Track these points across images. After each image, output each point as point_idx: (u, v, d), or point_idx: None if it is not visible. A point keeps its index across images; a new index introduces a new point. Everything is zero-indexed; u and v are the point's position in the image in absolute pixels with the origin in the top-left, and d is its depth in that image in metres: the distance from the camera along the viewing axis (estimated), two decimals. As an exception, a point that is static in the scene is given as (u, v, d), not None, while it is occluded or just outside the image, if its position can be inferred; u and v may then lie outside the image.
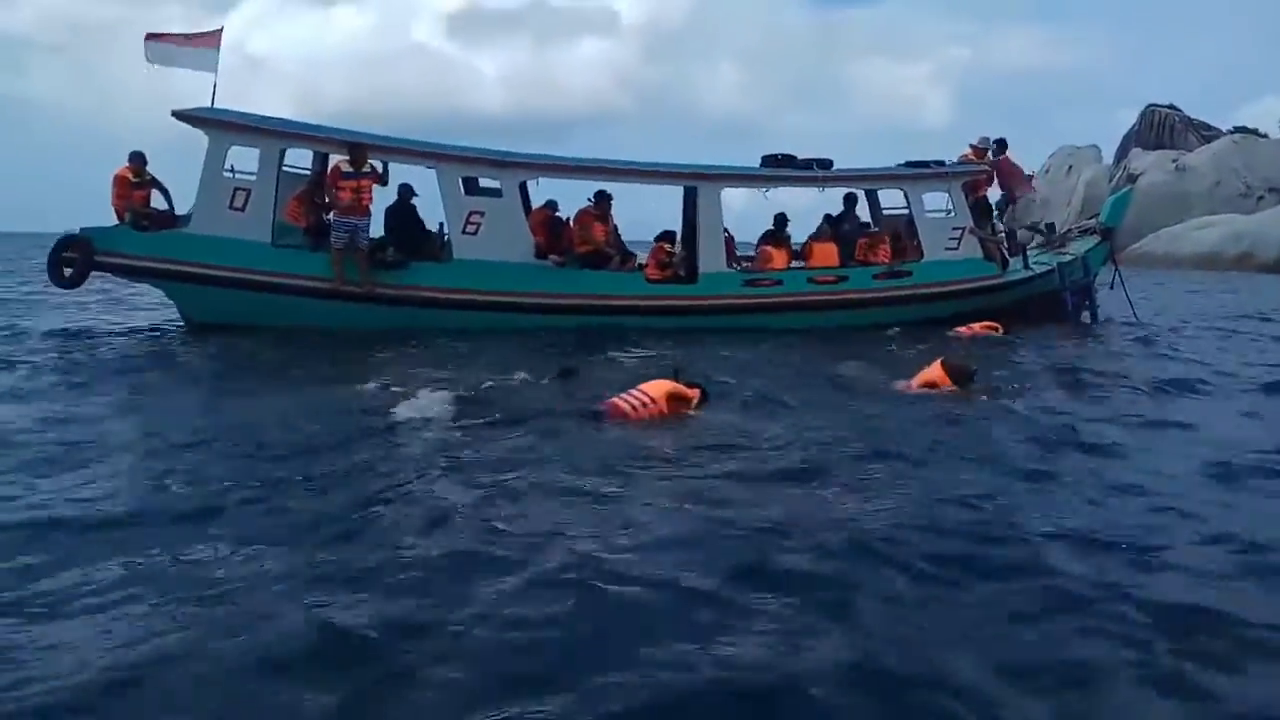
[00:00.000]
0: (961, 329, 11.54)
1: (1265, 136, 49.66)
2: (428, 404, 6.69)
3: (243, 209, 11.10)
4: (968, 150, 13.81)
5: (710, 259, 12.24)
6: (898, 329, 11.87)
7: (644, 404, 6.22)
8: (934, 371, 7.06)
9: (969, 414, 6.51)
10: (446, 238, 11.89)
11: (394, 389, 7.12)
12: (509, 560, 3.54)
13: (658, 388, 6.36)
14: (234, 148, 11.28)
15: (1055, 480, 4.86)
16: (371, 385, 7.36)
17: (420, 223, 12.11)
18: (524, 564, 3.49)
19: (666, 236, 12.79)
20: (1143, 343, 11.73)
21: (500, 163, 11.81)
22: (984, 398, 7.05)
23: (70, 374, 8.10)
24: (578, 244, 12.04)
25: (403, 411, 6.39)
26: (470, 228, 11.48)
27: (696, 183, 12.44)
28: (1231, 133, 49.07)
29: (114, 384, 7.71)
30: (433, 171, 11.63)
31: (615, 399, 6.30)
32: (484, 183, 12.06)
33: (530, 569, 3.44)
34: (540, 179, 12.38)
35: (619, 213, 12.60)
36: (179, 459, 5.12)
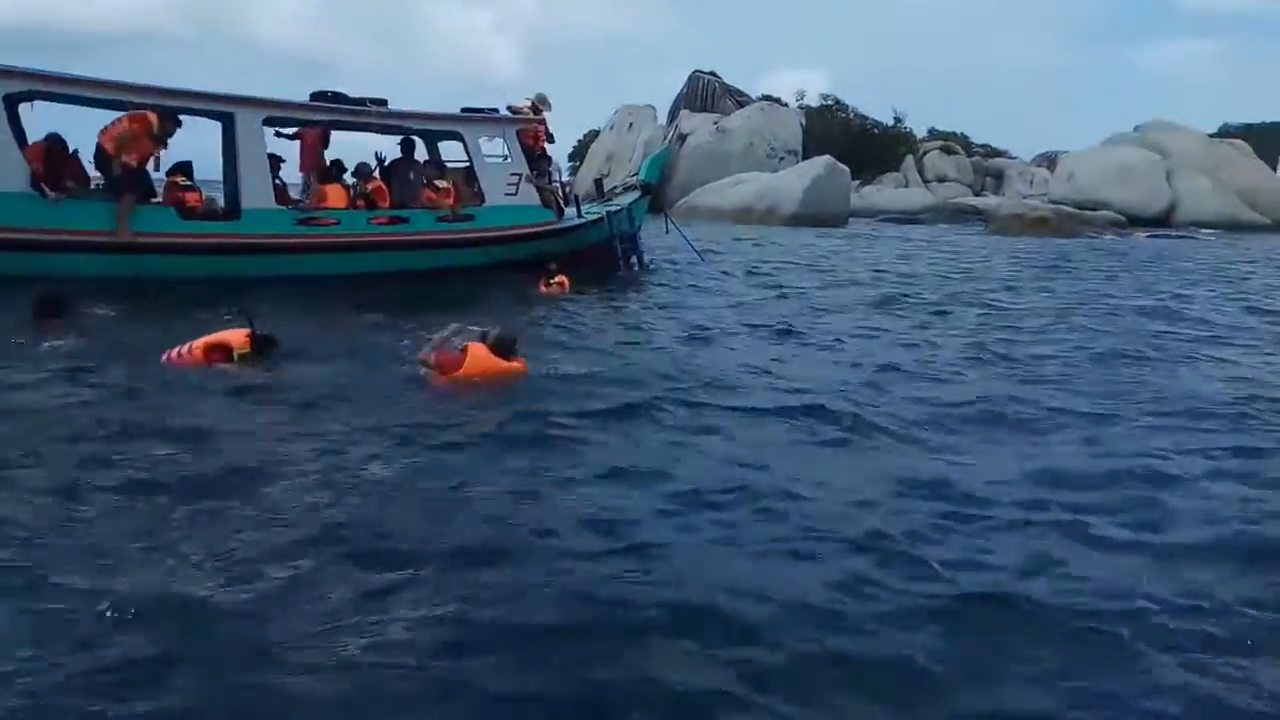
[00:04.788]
0: (545, 287, 11.67)
1: (786, 105, 57.65)
2: None
3: None
4: (524, 103, 14.07)
5: (254, 194, 11.18)
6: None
7: (180, 354, 6.31)
8: (478, 354, 6.20)
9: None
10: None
11: None
12: None
13: (203, 339, 6.36)
14: None
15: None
16: None
17: None
18: None
19: (181, 169, 11.32)
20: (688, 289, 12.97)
21: None
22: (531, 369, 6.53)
23: None
24: (117, 152, 10.17)
25: None
26: (-71, 149, 9.24)
27: (234, 109, 11.22)
28: (759, 100, 56.19)
29: None
30: None
31: (171, 351, 6.36)
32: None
33: None
34: (36, 100, 10.33)
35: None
36: None
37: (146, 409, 5.28)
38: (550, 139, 14.33)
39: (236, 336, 6.39)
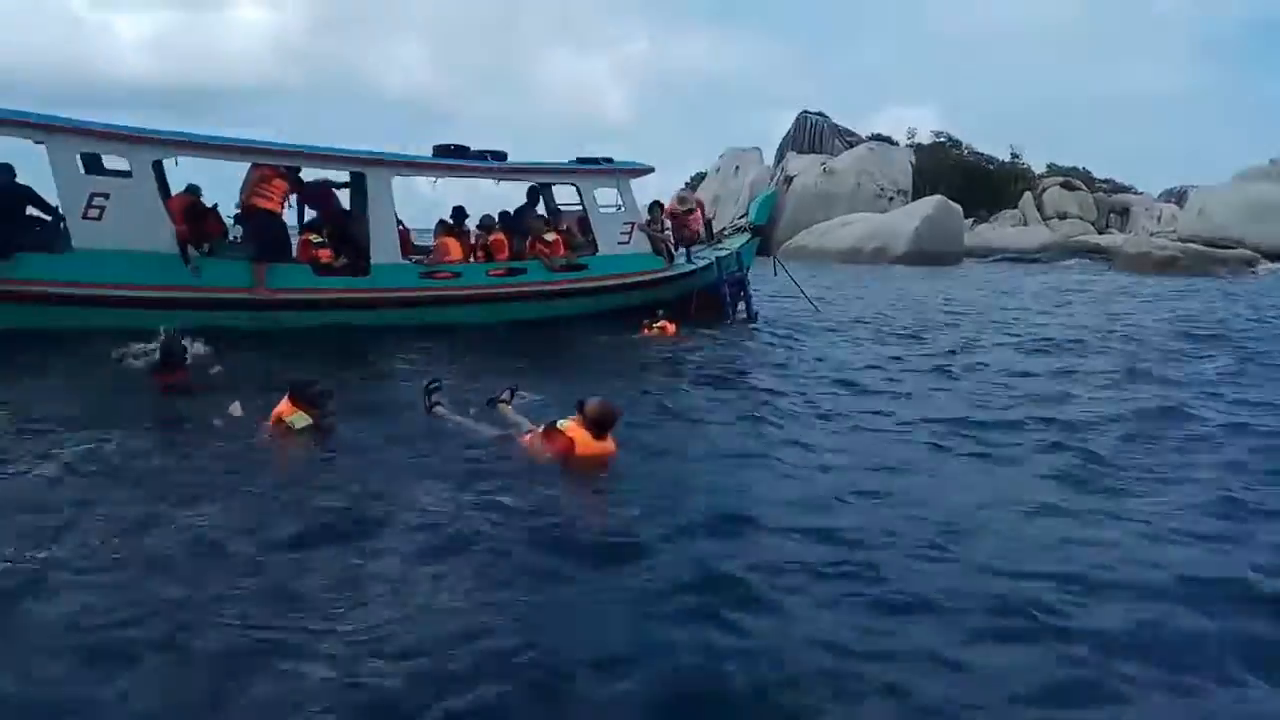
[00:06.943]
0: (647, 330, 12.06)
1: (896, 144, 56.97)
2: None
3: None
4: (674, 202, 15.17)
5: (383, 250, 11.69)
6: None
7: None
8: (580, 438, 5.55)
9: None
10: (63, 225, 10.30)
11: None
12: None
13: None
14: None
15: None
16: None
17: (40, 202, 10.53)
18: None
19: (311, 227, 11.91)
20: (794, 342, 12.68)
21: (128, 138, 10.37)
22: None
23: None
24: (253, 203, 10.84)
25: None
26: (92, 212, 10.02)
27: (365, 169, 11.80)
28: (869, 139, 55.71)
29: None
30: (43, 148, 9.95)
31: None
32: (109, 161, 10.62)
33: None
34: (179, 158, 11.14)
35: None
36: None
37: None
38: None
39: (284, 407, 6.08)
